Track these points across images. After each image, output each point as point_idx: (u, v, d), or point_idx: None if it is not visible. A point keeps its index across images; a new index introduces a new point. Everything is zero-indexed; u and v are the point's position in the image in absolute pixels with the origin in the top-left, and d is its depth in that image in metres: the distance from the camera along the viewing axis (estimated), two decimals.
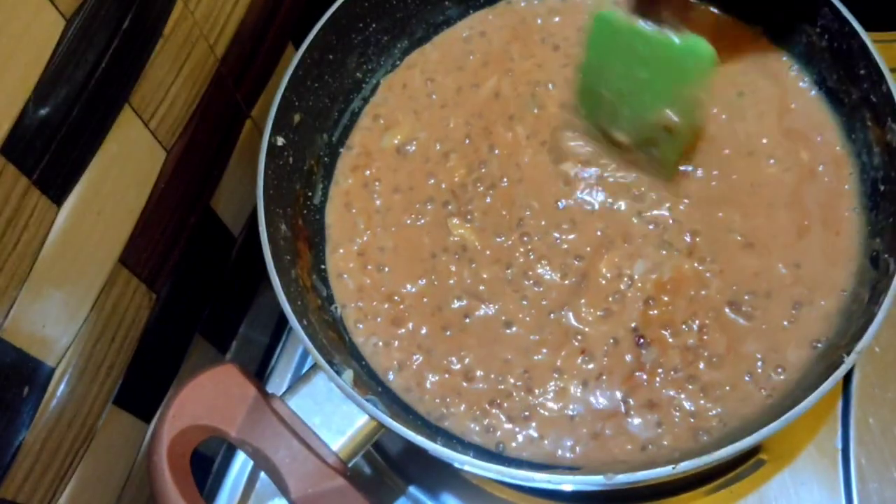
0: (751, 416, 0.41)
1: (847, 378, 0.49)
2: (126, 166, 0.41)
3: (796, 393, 0.40)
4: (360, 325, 0.46)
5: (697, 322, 0.43)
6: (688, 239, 0.45)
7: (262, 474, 0.51)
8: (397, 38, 0.53)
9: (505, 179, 0.48)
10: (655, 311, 0.44)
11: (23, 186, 0.34)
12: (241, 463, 0.53)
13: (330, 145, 0.51)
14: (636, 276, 0.45)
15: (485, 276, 0.46)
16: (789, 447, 0.48)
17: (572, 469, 0.41)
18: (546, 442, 0.42)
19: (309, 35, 0.47)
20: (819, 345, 0.42)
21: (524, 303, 0.45)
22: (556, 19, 0.53)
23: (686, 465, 0.36)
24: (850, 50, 0.44)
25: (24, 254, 0.35)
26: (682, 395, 0.42)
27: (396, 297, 0.46)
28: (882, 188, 0.44)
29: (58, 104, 0.35)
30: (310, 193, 0.49)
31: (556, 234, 0.46)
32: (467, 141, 0.50)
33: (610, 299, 0.44)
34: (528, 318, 0.45)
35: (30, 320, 0.36)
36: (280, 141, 0.46)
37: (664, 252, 0.45)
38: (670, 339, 0.43)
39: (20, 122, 0.33)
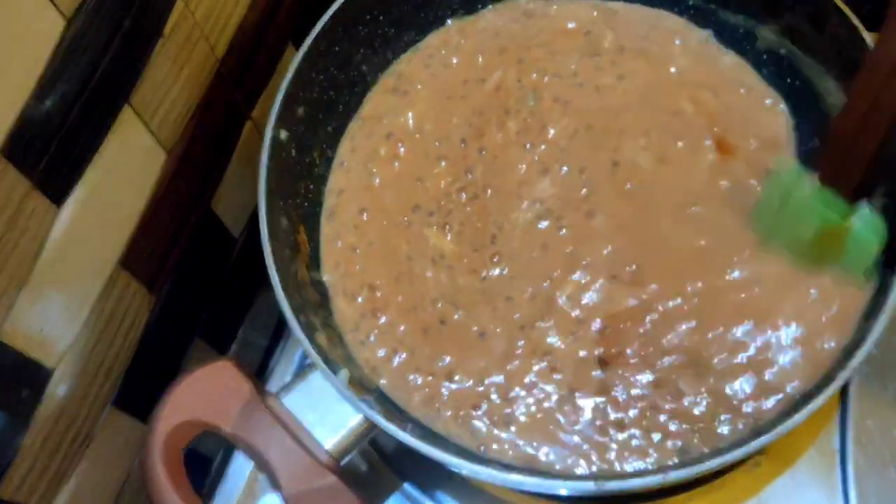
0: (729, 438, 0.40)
1: None
2: (126, 167, 0.41)
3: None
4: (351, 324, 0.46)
5: (657, 350, 0.42)
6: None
7: (261, 475, 0.51)
8: (404, 32, 0.53)
9: (489, 190, 0.48)
10: (613, 338, 0.43)
11: (23, 187, 0.34)
12: (239, 464, 0.53)
13: (334, 139, 0.51)
14: (590, 304, 0.44)
15: (461, 282, 0.46)
16: (787, 448, 0.48)
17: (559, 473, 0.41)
18: (522, 443, 0.41)
19: (315, 27, 0.47)
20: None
21: (496, 314, 0.45)
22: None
23: (676, 475, 0.36)
24: (857, 57, 0.44)
25: (24, 255, 0.35)
26: (651, 420, 0.41)
27: (372, 287, 0.46)
28: (884, 202, 0.43)
29: (58, 104, 0.35)
30: (311, 186, 0.49)
31: (528, 254, 0.46)
32: (462, 145, 0.50)
33: (575, 320, 0.44)
34: (499, 330, 0.44)
35: (29, 322, 0.36)
36: (283, 134, 0.46)
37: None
38: (633, 361, 0.42)
39: (20, 123, 0.33)
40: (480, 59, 0.52)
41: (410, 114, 0.51)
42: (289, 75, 0.46)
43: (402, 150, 0.50)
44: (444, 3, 0.53)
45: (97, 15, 0.36)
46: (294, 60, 0.46)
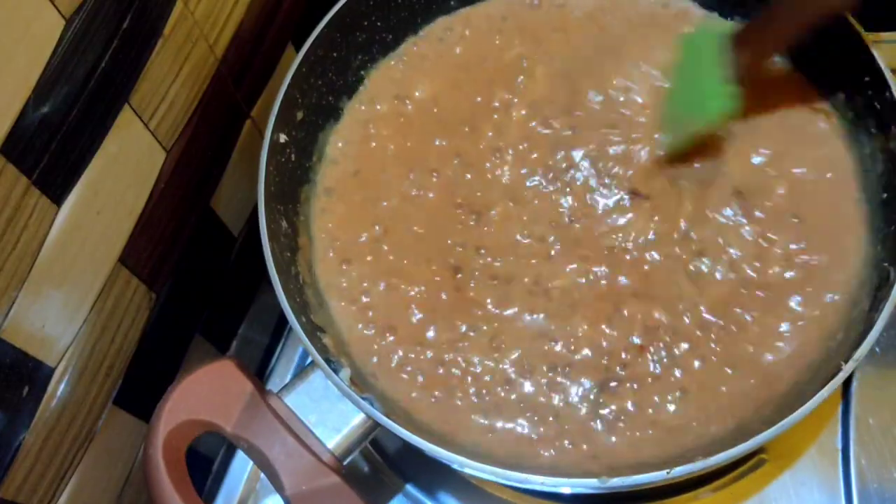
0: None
1: (847, 379, 0.48)
2: (126, 166, 0.41)
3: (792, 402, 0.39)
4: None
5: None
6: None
7: (262, 475, 0.51)
8: (402, 38, 0.53)
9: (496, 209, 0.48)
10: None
11: (23, 186, 0.34)
12: (240, 463, 0.53)
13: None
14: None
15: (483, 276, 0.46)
16: (790, 447, 0.48)
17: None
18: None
19: (313, 32, 0.47)
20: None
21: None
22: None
23: (680, 471, 0.36)
24: (855, 57, 0.44)
25: (23, 253, 0.35)
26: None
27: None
28: (884, 196, 0.43)
29: (57, 104, 0.35)
30: (311, 190, 0.49)
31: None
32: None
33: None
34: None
35: (30, 320, 0.36)
36: (282, 138, 0.46)
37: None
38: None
39: (20, 122, 0.33)
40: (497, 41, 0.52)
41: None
42: (287, 80, 0.46)
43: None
44: (442, 9, 0.53)
45: (97, 15, 0.37)
46: (292, 65, 0.46)
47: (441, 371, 0.43)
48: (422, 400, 0.43)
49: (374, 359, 0.44)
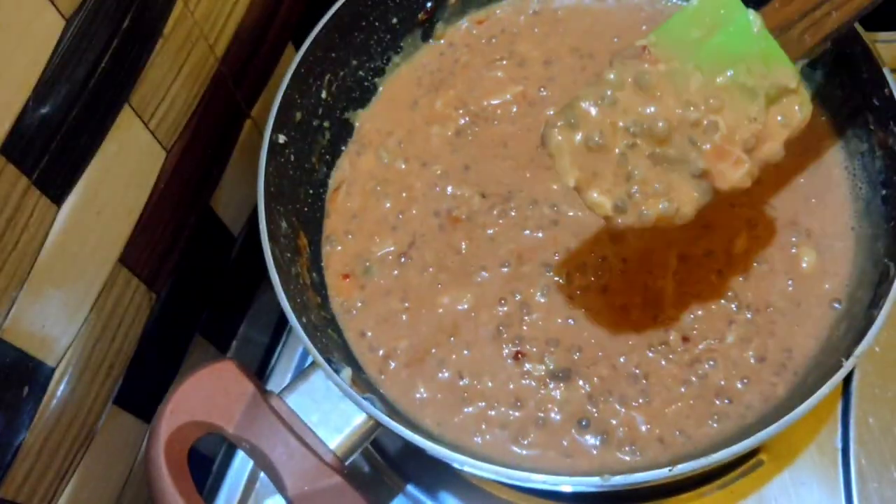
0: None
1: (847, 378, 0.48)
2: (126, 166, 0.41)
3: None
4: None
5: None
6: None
7: (262, 474, 0.51)
8: (401, 38, 0.53)
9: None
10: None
11: (23, 186, 0.34)
12: (240, 462, 0.53)
13: (332, 144, 0.51)
14: None
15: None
16: (789, 447, 0.48)
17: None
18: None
19: (311, 33, 0.47)
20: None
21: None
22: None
23: (683, 468, 0.36)
24: (853, 53, 0.44)
25: (24, 253, 0.35)
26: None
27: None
28: (883, 192, 0.43)
29: (58, 104, 0.35)
30: (311, 191, 0.49)
31: None
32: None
33: None
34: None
35: (30, 320, 0.36)
36: (281, 139, 0.46)
37: None
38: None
39: (20, 122, 0.33)
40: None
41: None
42: (285, 81, 0.46)
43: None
44: (441, 8, 0.53)
45: (97, 15, 0.37)
46: (290, 66, 0.46)
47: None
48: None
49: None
